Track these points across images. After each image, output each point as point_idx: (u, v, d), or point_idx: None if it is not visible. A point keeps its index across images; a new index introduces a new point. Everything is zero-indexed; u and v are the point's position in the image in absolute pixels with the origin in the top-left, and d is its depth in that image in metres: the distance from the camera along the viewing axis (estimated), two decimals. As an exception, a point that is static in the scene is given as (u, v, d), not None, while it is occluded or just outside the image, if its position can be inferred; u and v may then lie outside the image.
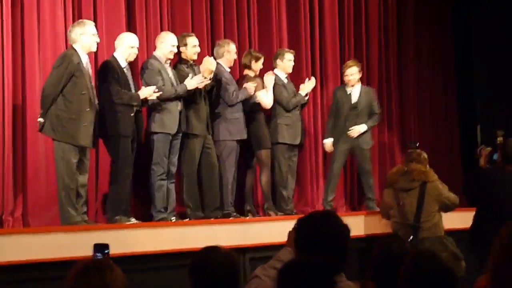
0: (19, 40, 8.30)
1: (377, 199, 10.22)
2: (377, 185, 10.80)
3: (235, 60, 9.34)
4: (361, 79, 10.26)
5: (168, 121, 8.47)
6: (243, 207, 9.43)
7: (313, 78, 9.90)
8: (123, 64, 8.26)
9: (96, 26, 8.24)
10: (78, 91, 7.67)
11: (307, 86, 9.79)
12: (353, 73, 10.02)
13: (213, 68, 8.69)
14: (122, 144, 8.07)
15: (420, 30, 12.40)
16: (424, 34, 12.43)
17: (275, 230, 8.30)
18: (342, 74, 10.26)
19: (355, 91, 10.06)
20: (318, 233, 3.65)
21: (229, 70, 9.26)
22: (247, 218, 9.16)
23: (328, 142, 10.11)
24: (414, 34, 12.30)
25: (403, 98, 12.10)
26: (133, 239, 7.82)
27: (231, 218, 8.87)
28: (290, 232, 3.95)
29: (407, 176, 8.41)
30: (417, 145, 9.12)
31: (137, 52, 8.35)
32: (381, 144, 11.61)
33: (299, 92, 9.75)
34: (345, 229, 3.77)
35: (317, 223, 3.70)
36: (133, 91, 8.26)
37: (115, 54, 8.30)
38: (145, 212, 8.69)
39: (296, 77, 10.26)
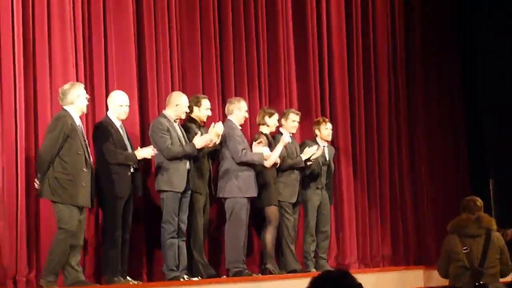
0: (31, 101, 8.34)
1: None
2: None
3: (246, 118, 9.39)
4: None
5: (176, 179, 8.50)
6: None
7: (320, 148, 9.91)
8: (117, 123, 8.31)
9: (107, 83, 8.28)
10: (74, 152, 7.69)
11: (310, 152, 9.79)
12: (331, 128, 10.31)
13: (221, 132, 8.76)
14: (114, 207, 8.09)
15: (427, 64, 12.63)
16: (432, 72, 12.59)
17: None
18: (318, 130, 10.31)
19: (326, 148, 10.26)
20: None
21: (240, 127, 9.30)
22: (260, 276, 9.13)
23: None
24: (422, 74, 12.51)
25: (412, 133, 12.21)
26: None
27: (244, 276, 8.84)
28: None
29: (476, 223, 8.44)
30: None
31: (126, 110, 8.33)
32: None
33: (301, 154, 9.76)
34: None
35: (331, 283, 3.67)
36: (129, 149, 8.29)
37: (108, 114, 8.37)
38: (157, 271, 8.67)
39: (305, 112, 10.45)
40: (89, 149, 7.91)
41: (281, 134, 9.79)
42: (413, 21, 12.61)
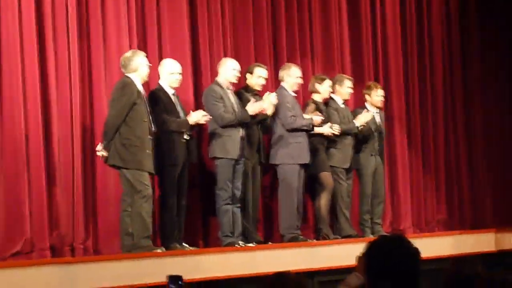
0: (86, 70, 8.41)
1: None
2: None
3: (299, 84, 9.37)
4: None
5: (230, 146, 8.54)
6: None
7: (370, 113, 9.84)
8: (170, 91, 8.35)
9: (160, 53, 8.37)
10: (140, 119, 7.78)
11: (363, 119, 9.74)
12: (382, 94, 10.13)
13: (274, 102, 8.82)
14: (169, 174, 8.16)
15: (485, 54, 12.35)
16: (489, 60, 12.38)
17: (343, 253, 8.39)
18: (369, 95, 10.17)
19: (376, 114, 10.15)
20: (389, 258, 3.58)
21: (293, 94, 9.30)
22: (314, 241, 9.18)
23: None
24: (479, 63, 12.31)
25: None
26: (202, 264, 7.91)
27: (299, 242, 8.90)
28: (359, 257, 3.89)
29: None
30: None
31: (178, 77, 8.34)
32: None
33: (354, 121, 9.73)
34: (416, 253, 3.66)
35: (388, 248, 3.62)
36: (182, 117, 8.33)
37: (160, 82, 8.40)
38: (213, 237, 8.79)
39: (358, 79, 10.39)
40: (151, 117, 7.96)
41: (333, 100, 9.76)
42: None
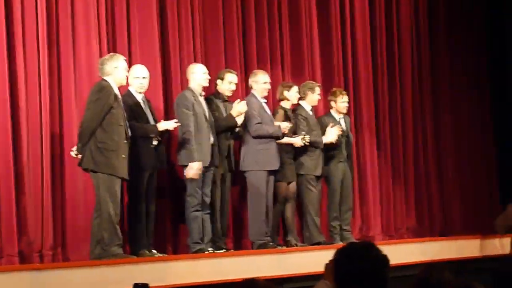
0: (55, 75, 8.37)
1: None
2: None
3: (267, 89, 9.38)
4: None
5: (200, 154, 8.50)
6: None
7: (337, 126, 9.80)
8: (138, 96, 8.32)
9: (130, 58, 8.38)
10: (116, 123, 7.70)
11: (331, 136, 9.72)
12: (347, 100, 10.16)
13: (243, 110, 8.83)
14: (137, 180, 8.09)
15: (454, 61, 12.43)
16: (457, 60, 12.46)
17: (313, 260, 8.37)
18: (334, 101, 10.15)
19: (342, 119, 10.15)
20: (358, 265, 3.58)
21: (263, 100, 9.31)
22: (284, 248, 9.17)
23: None
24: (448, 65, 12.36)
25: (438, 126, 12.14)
26: (171, 271, 7.88)
27: (268, 248, 8.88)
28: (327, 265, 3.88)
29: None
30: None
31: (142, 82, 8.30)
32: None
33: (323, 137, 9.70)
34: (385, 260, 3.66)
35: (356, 255, 3.62)
36: (152, 122, 8.30)
37: (129, 88, 8.38)
38: (182, 244, 8.78)
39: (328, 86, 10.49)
40: (127, 122, 7.91)
41: (302, 107, 9.77)
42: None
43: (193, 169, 8.41)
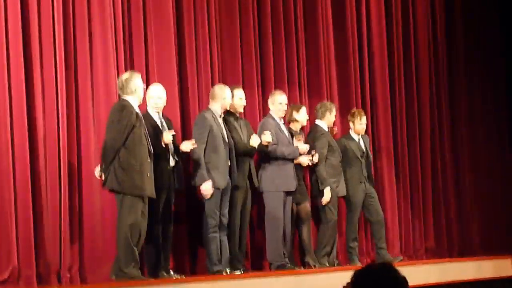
0: (73, 94, 8.38)
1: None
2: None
3: (284, 110, 9.39)
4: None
5: (217, 176, 8.48)
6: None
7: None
8: (155, 116, 8.31)
9: (147, 77, 8.53)
10: (138, 142, 7.65)
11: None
12: (365, 122, 10.16)
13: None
14: (153, 201, 7.95)
15: (472, 86, 12.42)
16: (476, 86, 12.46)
17: (330, 282, 8.37)
18: (352, 122, 10.17)
19: (360, 139, 10.14)
20: (377, 287, 3.56)
21: (279, 121, 9.30)
22: (302, 269, 9.14)
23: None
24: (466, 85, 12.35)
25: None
26: None
27: (286, 270, 8.85)
28: (345, 287, 3.88)
29: None
30: None
31: (157, 101, 8.27)
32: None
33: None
34: (404, 281, 3.62)
35: (374, 276, 3.59)
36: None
37: (148, 108, 8.36)
38: (200, 265, 8.77)
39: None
40: (149, 140, 7.89)
41: (319, 126, 9.77)
42: (454, 8, 12.44)
43: (205, 190, 8.40)
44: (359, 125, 10.09)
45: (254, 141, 8.86)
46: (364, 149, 10.11)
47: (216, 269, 8.38)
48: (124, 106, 7.72)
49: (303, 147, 9.24)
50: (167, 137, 8.10)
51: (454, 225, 11.89)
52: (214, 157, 8.50)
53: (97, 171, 7.82)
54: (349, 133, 10.17)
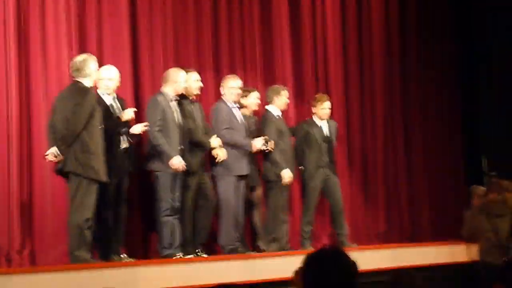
0: (23, 75, 8.30)
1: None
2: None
3: (237, 94, 9.23)
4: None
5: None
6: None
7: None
8: (106, 98, 8.19)
9: (101, 55, 8.48)
10: (97, 125, 7.65)
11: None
12: (328, 106, 10.09)
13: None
14: (104, 184, 7.87)
15: (425, 57, 12.42)
16: (428, 62, 12.45)
17: (282, 266, 8.30)
18: (315, 107, 10.09)
19: (323, 124, 10.08)
20: (327, 272, 3.57)
21: (235, 105, 9.18)
22: (253, 253, 9.12)
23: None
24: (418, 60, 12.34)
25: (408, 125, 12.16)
26: (140, 276, 7.78)
27: (237, 254, 8.83)
28: (296, 271, 3.86)
29: (502, 203, 9.33)
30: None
31: (109, 84, 8.14)
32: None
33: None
34: (354, 266, 3.66)
35: (325, 261, 3.61)
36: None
37: (98, 90, 8.24)
38: (153, 249, 8.73)
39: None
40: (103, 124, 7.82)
41: (269, 112, 9.67)
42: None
43: (177, 164, 8.35)
44: (321, 109, 10.02)
45: (214, 142, 8.82)
46: (328, 134, 10.05)
47: (166, 253, 8.33)
48: (84, 90, 7.67)
49: (259, 143, 9.19)
50: (128, 113, 8.09)
51: (404, 211, 11.90)
52: (166, 141, 8.40)
53: (50, 153, 7.67)
54: (311, 117, 10.12)
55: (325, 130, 10.06)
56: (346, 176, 11.13)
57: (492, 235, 9.30)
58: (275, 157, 9.47)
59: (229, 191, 8.99)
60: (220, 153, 8.85)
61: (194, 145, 8.74)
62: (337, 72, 11.26)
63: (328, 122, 10.12)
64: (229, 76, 9.39)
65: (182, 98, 8.80)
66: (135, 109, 8.22)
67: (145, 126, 8.24)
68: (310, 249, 9.14)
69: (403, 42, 12.18)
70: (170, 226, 8.38)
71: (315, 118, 10.06)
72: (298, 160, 9.93)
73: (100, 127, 7.68)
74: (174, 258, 8.26)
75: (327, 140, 10.04)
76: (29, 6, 8.34)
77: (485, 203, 9.63)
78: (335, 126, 10.24)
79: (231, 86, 9.18)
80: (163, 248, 8.38)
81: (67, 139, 7.58)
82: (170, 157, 8.33)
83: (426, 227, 12.06)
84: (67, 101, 7.68)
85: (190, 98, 8.90)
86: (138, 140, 8.50)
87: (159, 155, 8.41)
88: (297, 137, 10.03)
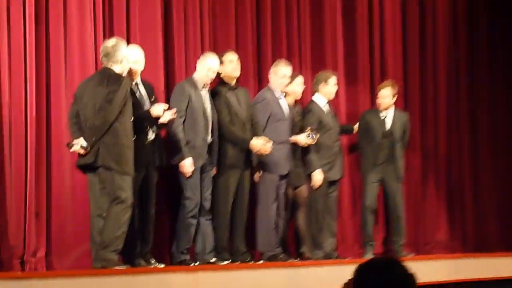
0: (43, 58, 7.85)
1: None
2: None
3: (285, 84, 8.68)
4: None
5: (193, 154, 7.91)
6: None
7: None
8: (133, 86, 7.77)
9: (129, 36, 8.21)
10: (129, 116, 7.26)
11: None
12: (386, 95, 9.40)
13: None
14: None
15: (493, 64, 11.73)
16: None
17: (327, 276, 8.16)
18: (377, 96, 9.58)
19: (388, 116, 9.44)
20: (380, 285, 3.30)
21: (282, 96, 8.64)
22: (296, 261, 8.66)
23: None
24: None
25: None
26: (170, 284, 7.43)
27: (277, 262, 8.37)
28: (345, 284, 3.56)
29: None
30: None
31: (134, 66, 7.64)
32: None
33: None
34: (412, 278, 3.34)
35: (379, 272, 3.32)
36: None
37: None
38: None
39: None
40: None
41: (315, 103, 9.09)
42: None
43: (185, 167, 7.85)
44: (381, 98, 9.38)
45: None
46: (388, 128, 9.36)
47: (181, 259, 7.90)
48: (120, 77, 7.25)
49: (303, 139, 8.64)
50: (158, 110, 7.55)
51: (469, 219, 11.29)
52: (191, 133, 7.93)
53: (78, 145, 7.16)
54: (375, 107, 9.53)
55: (388, 123, 9.35)
56: (406, 178, 10.29)
57: None
58: (309, 153, 8.89)
59: (269, 191, 8.43)
60: (263, 148, 8.25)
61: (229, 141, 8.21)
62: (395, 59, 10.65)
63: (395, 113, 9.42)
64: (281, 61, 8.78)
65: (220, 85, 8.32)
66: (166, 105, 7.70)
67: (174, 114, 7.65)
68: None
69: (470, 25, 11.50)
70: (192, 230, 7.91)
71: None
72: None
73: (131, 118, 7.27)
74: (189, 265, 7.84)
75: (388, 134, 9.34)
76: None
77: None
78: (403, 120, 9.54)
79: (283, 73, 8.58)
80: (178, 253, 7.97)
81: (99, 130, 7.14)
82: (182, 157, 7.83)
83: (493, 235, 11.42)
84: (99, 88, 7.22)
85: (231, 84, 8.34)
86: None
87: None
88: (359, 128, 9.52)
